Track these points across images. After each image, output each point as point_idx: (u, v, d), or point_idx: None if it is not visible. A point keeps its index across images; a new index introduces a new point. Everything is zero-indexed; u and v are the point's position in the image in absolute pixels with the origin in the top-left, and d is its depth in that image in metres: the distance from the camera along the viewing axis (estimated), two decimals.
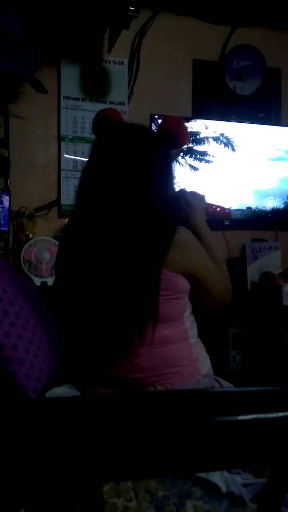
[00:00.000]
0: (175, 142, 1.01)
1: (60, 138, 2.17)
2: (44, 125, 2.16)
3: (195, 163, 2.18)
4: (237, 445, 0.38)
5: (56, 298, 1.05)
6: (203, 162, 2.20)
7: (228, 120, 2.33)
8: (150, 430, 0.37)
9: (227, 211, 1.39)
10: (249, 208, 2.28)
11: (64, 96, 2.17)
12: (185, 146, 1.07)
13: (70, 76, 2.17)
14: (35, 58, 1.82)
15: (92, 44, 2.20)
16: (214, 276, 1.04)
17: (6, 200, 1.93)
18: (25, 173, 2.12)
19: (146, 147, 0.96)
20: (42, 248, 1.96)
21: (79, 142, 2.18)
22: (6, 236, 1.98)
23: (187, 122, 2.18)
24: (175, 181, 1.06)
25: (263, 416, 0.39)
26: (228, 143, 2.24)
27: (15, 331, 0.84)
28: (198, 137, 2.20)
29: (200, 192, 1.25)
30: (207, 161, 2.20)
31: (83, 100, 2.19)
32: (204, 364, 1.02)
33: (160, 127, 1.03)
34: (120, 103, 2.24)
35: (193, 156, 2.19)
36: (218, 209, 1.37)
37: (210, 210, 1.32)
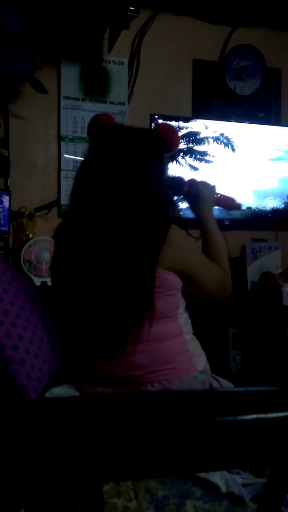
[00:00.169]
0: (167, 146, 1.04)
1: (60, 138, 2.17)
2: (44, 125, 2.16)
3: (195, 163, 2.18)
4: (237, 445, 0.39)
5: (53, 297, 1.06)
6: (203, 162, 2.20)
7: (228, 120, 2.33)
8: (150, 430, 0.37)
9: (236, 203, 1.31)
10: (249, 208, 2.28)
11: (64, 96, 2.16)
12: (177, 150, 1.08)
13: (70, 76, 2.17)
14: (35, 58, 1.82)
15: (92, 44, 2.19)
16: (206, 271, 1.04)
17: (6, 200, 1.93)
18: (25, 173, 2.12)
19: (140, 148, 0.98)
20: (42, 248, 1.96)
21: (79, 142, 2.18)
22: (6, 236, 1.98)
23: (187, 122, 2.18)
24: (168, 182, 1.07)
25: (263, 416, 0.39)
26: (228, 143, 2.24)
27: (15, 331, 0.84)
28: (198, 137, 2.20)
29: (211, 182, 1.23)
30: (207, 161, 2.20)
31: (83, 100, 2.19)
32: (200, 360, 1.03)
33: (152, 132, 1.06)
34: (120, 103, 2.24)
35: (193, 156, 2.18)
36: (230, 201, 1.31)
37: (220, 200, 1.28)
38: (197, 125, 2.20)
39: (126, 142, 0.99)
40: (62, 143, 2.17)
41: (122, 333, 0.93)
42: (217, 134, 2.22)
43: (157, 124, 1.07)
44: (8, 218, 1.94)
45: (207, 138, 2.21)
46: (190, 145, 2.18)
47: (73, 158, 2.17)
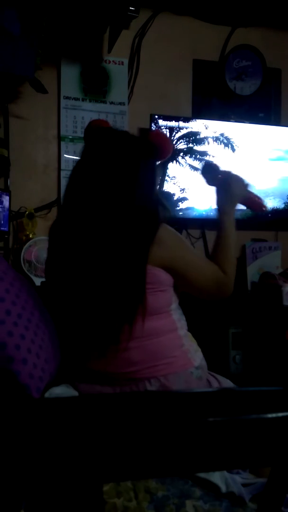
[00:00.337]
0: (158, 152, 1.07)
1: (60, 138, 2.17)
2: (44, 125, 2.16)
3: (195, 163, 2.18)
4: (237, 445, 0.39)
5: (47, 295, 1.07)
6: (203, 162, 2.20)
7: (228, 120, 2.32)
8: (150, 430, 0.37)
9: (263, 207, 1.23)
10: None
11: (64, 96, 2.16)
12: (169, 156, 1.10)
13: (70, 76, 2.17)
14: (35, 58, 1.82)
15: (92, 44, 2.19)
16: (198, 269, 1.05)
17: (6, 200, 1.93)
18: (25, 173, 2.12)
19: (131, 151, 1.02)
20: (42, 248, 1.96)
21: (79, 142, 2.17)
22: (6, 236, 1.98)
23: (187, 122, 2.18)
24: (159, 185, 1.10)
25: (263, 416, 0.39)
26: (228, 143, 2.23)
27: (17, 330, 0.84)
28: (198, 137, 2.20)
29: (245, 179, 1.19)
30: None
31: (83, 100, 2.19)
32: (196, 356, 1.04)
33: (145, 138, 1.09)
34: (120, 103, 2.23)
35: (193, 156, 2.18)
36: (259, 203, 1.23)
37: (249, 199, 1.21)
38: (197, 125, 2.19)
39: (118, 144, 1.02)
40: (62, 143, 2.17)
41: (115, 329, 0.94)
42: (217, 134, 2.22)
43: (150, 132, 1.11)
44: (8, 218, 1.94)
45: (207, 138, 2.21)
46: (190, 145, 2.18)
47: (73, 158, 2.17)
